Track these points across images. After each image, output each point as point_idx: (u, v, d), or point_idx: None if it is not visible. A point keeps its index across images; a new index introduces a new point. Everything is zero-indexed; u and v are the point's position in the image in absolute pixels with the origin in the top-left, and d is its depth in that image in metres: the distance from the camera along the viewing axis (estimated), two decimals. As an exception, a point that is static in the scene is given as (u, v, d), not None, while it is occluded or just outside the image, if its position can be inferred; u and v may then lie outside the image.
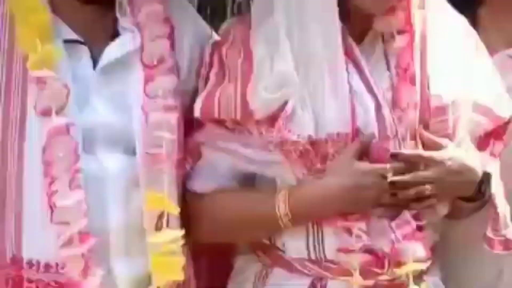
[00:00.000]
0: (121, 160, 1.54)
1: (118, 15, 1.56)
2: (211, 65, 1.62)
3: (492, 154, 1.70)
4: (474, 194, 1.61)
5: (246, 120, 1.53)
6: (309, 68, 1.53)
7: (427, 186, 1.52)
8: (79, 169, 1.47)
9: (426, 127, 1.59)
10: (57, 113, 1.46)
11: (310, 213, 1.56)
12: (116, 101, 1.56)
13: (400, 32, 1.60)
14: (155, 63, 1.56)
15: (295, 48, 1.52)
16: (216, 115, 1.54)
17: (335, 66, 1.53)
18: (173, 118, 1.55)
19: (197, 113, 1.56)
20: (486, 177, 1.62)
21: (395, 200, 1.53)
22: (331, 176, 1.53)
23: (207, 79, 1.61)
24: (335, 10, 1.52)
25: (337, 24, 1.52)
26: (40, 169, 1.45)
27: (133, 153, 1.54)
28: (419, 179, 1.52)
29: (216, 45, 1.64)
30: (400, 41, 1.60)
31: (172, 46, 1.58)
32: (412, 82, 1.58)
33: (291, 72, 1.51)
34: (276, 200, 1.55)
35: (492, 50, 1.84)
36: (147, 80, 1.56)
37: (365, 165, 1.52)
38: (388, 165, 1.51)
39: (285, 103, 1.50)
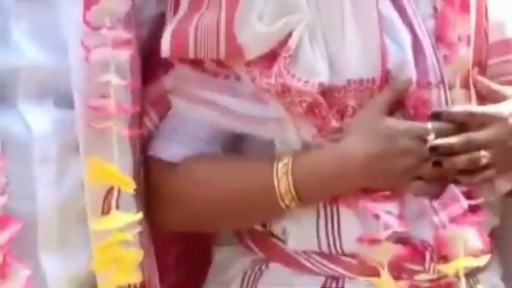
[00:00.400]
0: (52, 116, 1.38)
1: None
2: None
3: None
4: None
5: (233, 61, 1.36)
6: None
7: (483, 153, 1.34)
8: None
9: (483, 70, 1.42)
10: None
11: (322, 190, 1.38)
12: (45, 34, 1.40)
13: None
14: None
15: None
16: (191, 54, 1.36)
17: None
18: (125, 55, 1.38)
19: (165, 52, 1.37)
20: None
21: (439, 171, 1.34)
22: (351, 139, 1.35)
23: (177, 2, 1.42)
24: None
25: None
26: None
27: (69, 106, 1.38)
28: (472, 143, 1.34)
29: None
30: None
31: None
32: (464, 6, 1.40)
33: None
34: (275, 172, 1.37)
35: None
36: (89, 4, 1.39)
37: (398, 123, 1.35)
38: (429, 124, 1.34)
39: (288, 37, 1.33)
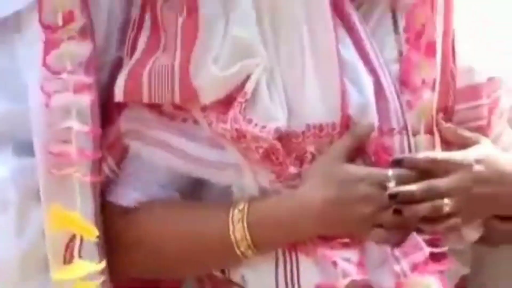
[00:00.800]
0: (10, 164, 1.36)
1: None
2: (140, 26, 1.37)
3: None
4: None
5: (189, 105, 1.32)
6: (281, 32, 1.31)
7: (446, 201, 1.30)
8: None
9: (449, 115, 1.38)
10: None
11: (279, 237, 1.33)
12: (3, 79, 1.37)
13: None
14: (59, 23, 1.34)
15: (260, 3, 1.32)
16: (145, 98, 1.33)
17: (318, 28, 1.32)
18: (87, 100, 1.34)
19: (118, 96, 1.34)
20: None
21: (399, 219, 1.30)
22: (309, 184, 1.31)
23: (133, 46, 1.38)
24: None
25: None
26: None
27: (30, 153, 1.35)
28: (434, 191, 1.30)
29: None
30: None
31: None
32: (430, 50, 1.36)
33: (254, 37, 1.30)
34: (231, 218, 1.32)
35: None
36: (49, 47, 1.35)
37: (357, 169, 1.32)
38: (390, 170, 1.30)
39: (245, 81, 1.30)
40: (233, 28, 1.29)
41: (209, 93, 1.28)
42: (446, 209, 1.30)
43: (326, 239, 1.30)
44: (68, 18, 1.34)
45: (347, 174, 1.28)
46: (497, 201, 1.35)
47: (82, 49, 1.35)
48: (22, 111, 1.34)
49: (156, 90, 1.31)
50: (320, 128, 1.28)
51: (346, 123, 1.30)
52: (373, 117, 1.30)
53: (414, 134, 1.33)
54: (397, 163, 1.31)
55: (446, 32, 1.37)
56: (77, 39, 1.34)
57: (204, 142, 1.33)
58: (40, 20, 1.33)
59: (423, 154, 1.33)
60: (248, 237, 1.29)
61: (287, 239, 1.32)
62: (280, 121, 1.26)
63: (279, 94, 1.29)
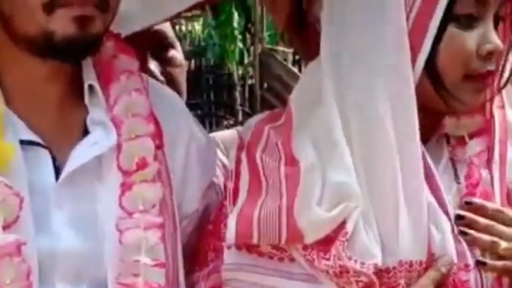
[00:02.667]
0: None
1: (87, 103, 1.39)
2: (238, 174, 1.43)
3: None
4: None
5: (292, 244, 1.35)
6: (375, 177, 1.36)
7: (504, 243, 1.37)
8: None
9: None
10: (5, 228, 1.27)
11: None
12: (84, 221, 1.38)
13: (473, 135, 1.47)
14: (134, 167, 1.38)
15: (355, 151, 1.36)
16: (255, 239, 1.35)
17: (411, 174, 1.36)
18: (155, 237, 1.37)
19: (230, 238, 1.36)
20: None
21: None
22: None
23: (235, 194, 1.43)
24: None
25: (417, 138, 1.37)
26: None
27: (104, 286, 1.36)
28: (497, 229, 1.38)
29: (246, 148, 1.43)
30: (474, 147, 1.46)
31: (158, 147, 1.42)
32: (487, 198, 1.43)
33: (351, 183, 1.34)
34: None
35: None
36: (124, 189, 1.38)
37: None
38: None
39: (344, 221, 1.33)
40: (331, 173, 1.34)
41: (313, 233, 1.31)
42: (502, 248, 1.35)
43: None
44: (142, 164, 1.36)
45: None
46: None
47: (154, 191, 1.37)
48: (99, 250, 1.34)
49: (265, 231, 1.34)
50: (410, 264, 1.33)
51: (430, 259, 1.34)
52: (452, 255, 1.35)
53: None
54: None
55: (502, 183, 1.44)
56: (149, 182, 1.36)
57: (300, 279, 1.35)
58: (117, 165, 1.35)
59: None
60: None
61: None
62: (377, 258, 1.31)
63: (374, 233, 1.33)
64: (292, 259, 1.34)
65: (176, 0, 1.60)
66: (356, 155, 1.34)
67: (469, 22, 1.37)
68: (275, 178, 1.36)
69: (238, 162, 1.42)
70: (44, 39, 1.30)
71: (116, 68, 1.41)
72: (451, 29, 1.36)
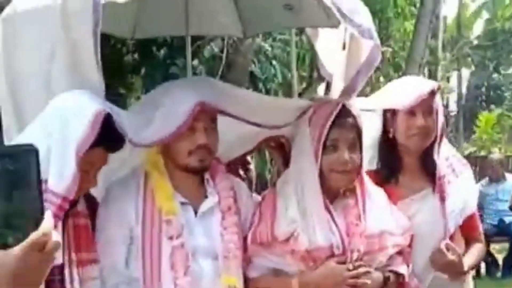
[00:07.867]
0: (210, 264, 2.44)
1: (206, 187, 2.58)
2: (255, 213, 2.67)
3: None
4: None
5: (274, 241, 2.54)
6: (306, 214, 2.56)
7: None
8: (189, 266, 2.38)
9: None
10: (177, 237, 2.39)
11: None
12: (207, 231, 2.48)
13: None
14: (225, 209, 2.53)
15: (298, 204, 2.59)
16: (258, 240, 2.57)
17: (320, 211, 2.57)
18: (235, 238, 2.52)
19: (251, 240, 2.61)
20: None
21: None
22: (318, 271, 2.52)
23: (253, 219, 2.64)
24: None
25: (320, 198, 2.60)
26: (169, 266, 2.37)
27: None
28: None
29: (259, 203, 2.73)
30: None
31: (235, 200, 2.56)
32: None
33: (296, 216, 2.54)
34: (293, 283, 2.54)
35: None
36: (223, 218, 2.51)
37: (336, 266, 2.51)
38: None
39: (294, 231, 2.50)
40: (289, 211, 2.52)
41: (282, 235, 2.48)
42: None
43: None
44: (229, 208, 2.62)
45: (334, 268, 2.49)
46: None
47: (234, 220, 2.61)
48: (214, 243, 2.56)
49: (261, 236, 2.57)
50: (321, 249, 2.50)
51: (331, 249, 2.53)
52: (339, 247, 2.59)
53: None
54: None
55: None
56: (232, 215, 2.62)
57: (279, 256, 2.57)
58: (220, 209, 2.62)
59: None
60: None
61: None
62: (307, 245, 2.49)
63: (305, 235, 2.50)
64: (274, 247, 2.52)
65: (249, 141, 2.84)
66: (298, 206, 2.52)
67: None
68: (266, 213, 2.56)
69: (257, 206, 2.66)
70: (186, 167, 2.46)
71: (217, 172, 2.54)
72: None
